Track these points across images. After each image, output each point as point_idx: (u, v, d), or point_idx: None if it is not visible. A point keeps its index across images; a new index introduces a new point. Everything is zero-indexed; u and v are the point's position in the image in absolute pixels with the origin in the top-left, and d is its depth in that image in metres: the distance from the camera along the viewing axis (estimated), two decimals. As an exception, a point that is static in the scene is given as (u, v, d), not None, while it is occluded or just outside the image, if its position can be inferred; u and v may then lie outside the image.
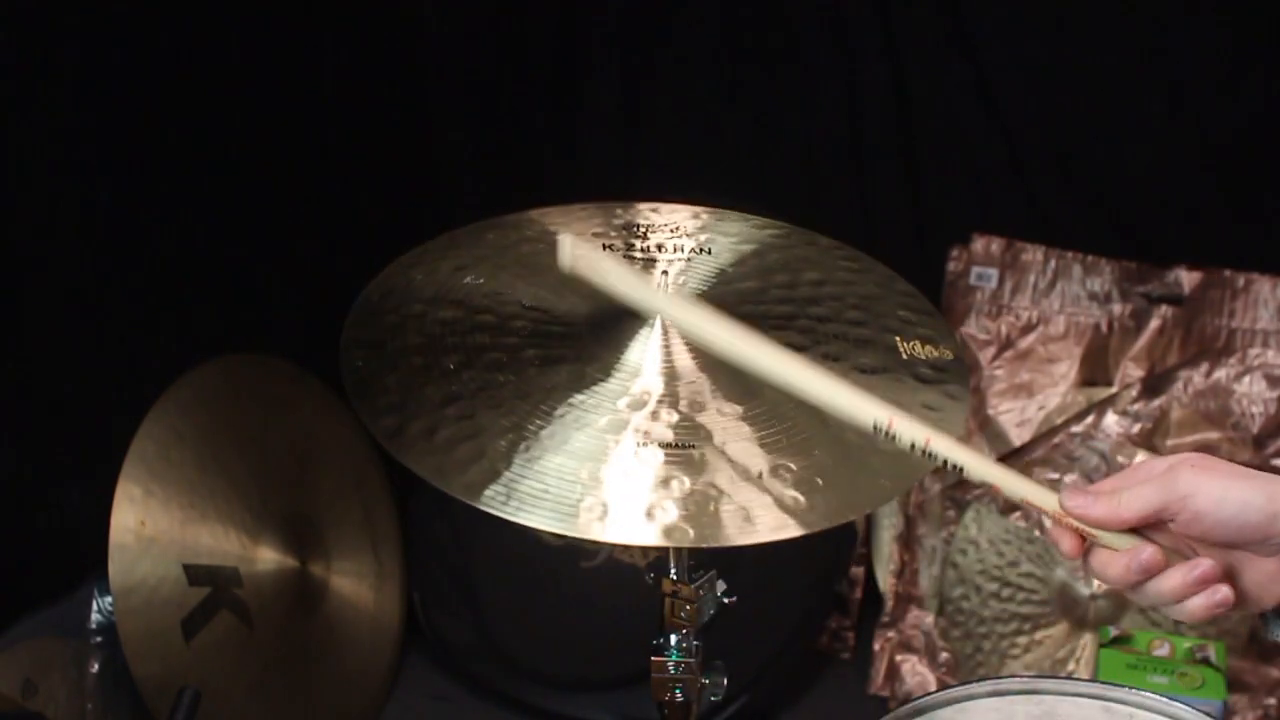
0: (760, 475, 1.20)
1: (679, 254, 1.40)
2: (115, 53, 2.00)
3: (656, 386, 1.25)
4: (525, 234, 1.43)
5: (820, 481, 1.20)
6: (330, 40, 2.31)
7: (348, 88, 2.36)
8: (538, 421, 1.21)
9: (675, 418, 1.23)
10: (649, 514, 1.17)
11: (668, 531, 1.16)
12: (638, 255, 1.39)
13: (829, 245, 1.47)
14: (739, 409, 1.24)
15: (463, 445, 1.20)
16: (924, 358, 1.34)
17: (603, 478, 1.18)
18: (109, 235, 2.03)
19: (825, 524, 1.18)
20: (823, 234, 1.47)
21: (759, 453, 1.22)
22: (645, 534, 1.16)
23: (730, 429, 1.23)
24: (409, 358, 1.26)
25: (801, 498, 1.19)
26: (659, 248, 1.40)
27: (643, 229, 1.43)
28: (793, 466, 1.21)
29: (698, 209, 1.47)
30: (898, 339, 1.35)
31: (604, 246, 1.40)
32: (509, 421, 1.21)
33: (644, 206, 1.47)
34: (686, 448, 1.21)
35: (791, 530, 1.18)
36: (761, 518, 1.17)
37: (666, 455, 1.20)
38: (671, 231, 1.43)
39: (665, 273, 1.33)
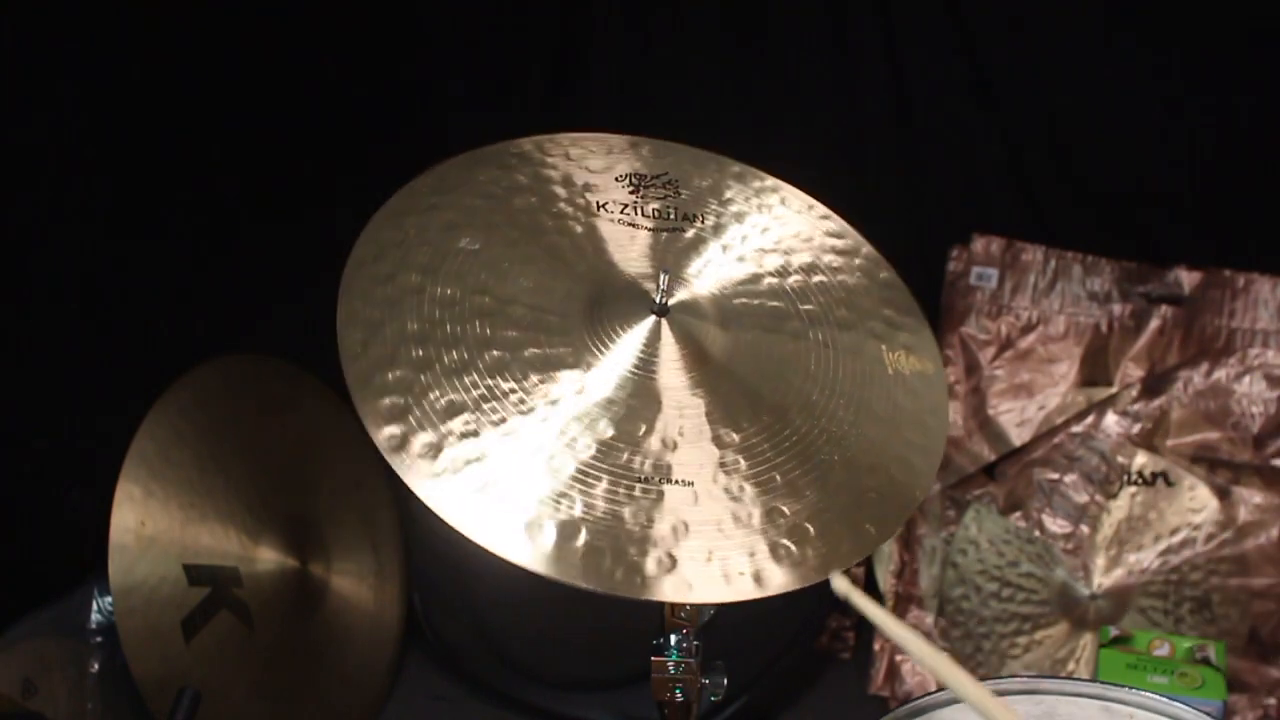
0: (756, 521, 1.19)
1: (672, 221, 1.38)
2: (115, 52, 2.00)
3: (655, 410, 1.24)
4: (516, 179, 1.39)
5: (811, 530, 1.20)
6: (331, 35, 2.31)
7: (347, 79, 2.36)
8: (547, 449, 1.20)
9: (674, 447, 1.22)
10: (658, 565, 1.16)
11: (674, 586, 1.15)
12: (632, 220, 1.38)
13: (817, 219, 1.47)
14: (736, 439, 1.23)
15: (469, 468, 1.19)
16: (907, 372, 1.34)
17: (612, 524, 1.17)
18: (109, 235, 2.03)
19: (817, 577, 1.18)
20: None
21: (753, 493, 1.21)
22: (655, 589, 1.15)
23: (727, 463, 1.22)
24: (408, 348, 1.24)
25: (794, 547, 1.18)
26: (657, 214, 1.39)
27: (637, 184, 1.41)
28: (786, 511, 1.20)
29: (695, 153, 1.46)
30: (884, 348, 1.35)
31: (598, 206, 1.38)
32: (515, 445, 1.20)
33: (632, 144, 1.44)
34: (686, 484, 1.20)
35: (789, 584, 1.17)
36: (757, 570, 1.17)
37: (668, 494, 1.19)
38: (665, 187, 1.41)
39: (666, 271, 1.33)
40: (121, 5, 1.98)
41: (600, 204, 1.37)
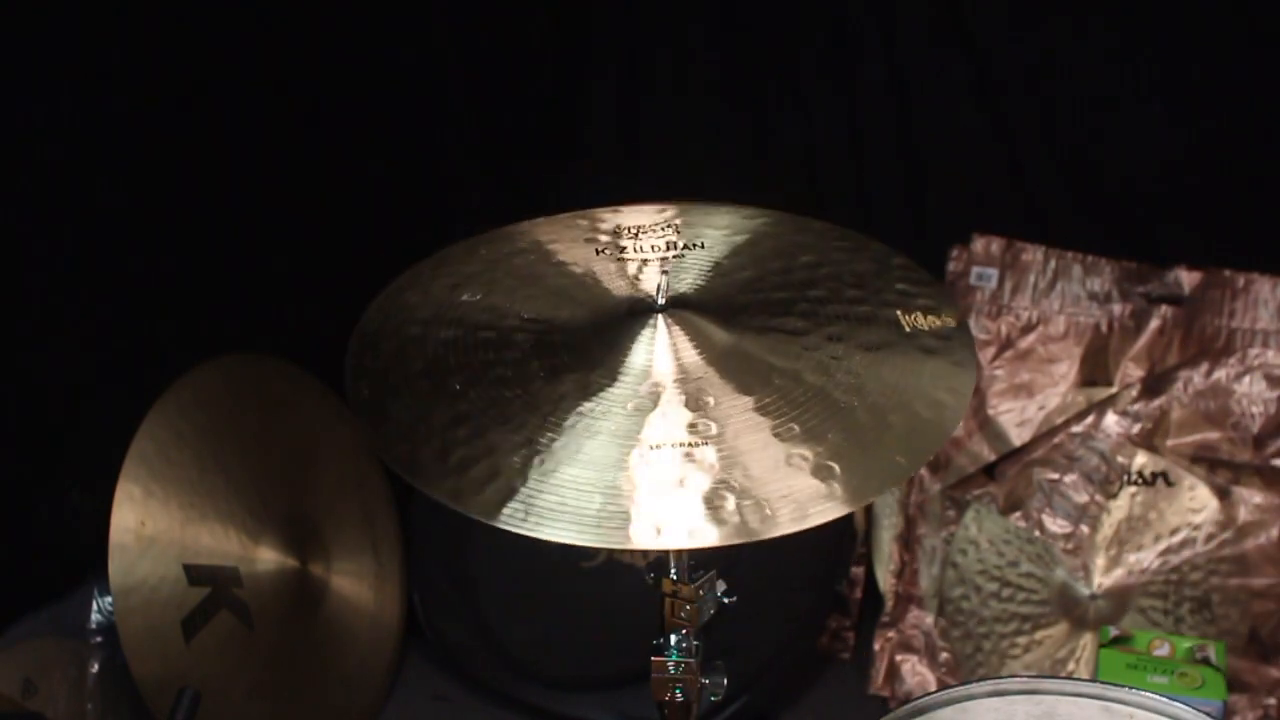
0: (780, 466, 1.20)
1: (673, 251, 1.40)
2: (116, 53, 2.00)
3: (664, 386, 1.25)
4: (516, 246, 1.43)
5: (837, 467, 1.20)
6: (329, 37, 2.31)
7: (347, 83, 2.36)
8: (549, 434, 1.21)
9: (687, 416, 1.23)
10: (669, 518, 1.16)
11: (692, 534, 1.16)
12: (630, 256, 1.39)
13: (822, 229, 1.47)
14: (749, 400, 1.24)
15: (477, 465, 1.20)
16: (927, 328, 1.34)
17: (620, 484, 1.18)
18: (109, 235, 2.03)
19: (847, 509, 1.18)
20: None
21: (774, 443, 1.22)
22: (668, 539, 1.16)
23: (743, 422, 1.23)
24: (414, 383, 1.27)
25: (821, 485, 1.19)
26: (652, 248, 1.40)
27: (633, 230, 1.42)
28: (808, 455, 1.21)
29: (686, 205, 1.47)
30: (899, 312, 1.35)
31: (597, 252, 1.40)
32: (520, 436, 1.21)
33: (628, 210, 1.47)
34: (701, 445, 1.21)
35: (814, 519, 1.17)
36: (784, 510, 1.17)
37: (683, 455, 1.20)
38: (662, 231, 1.42)
39: (665, 273, 1.33)
40: (123, 6, 1.98)
41: (600, 250, 1.39)
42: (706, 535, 1.16)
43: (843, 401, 1.25)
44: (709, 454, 1.20)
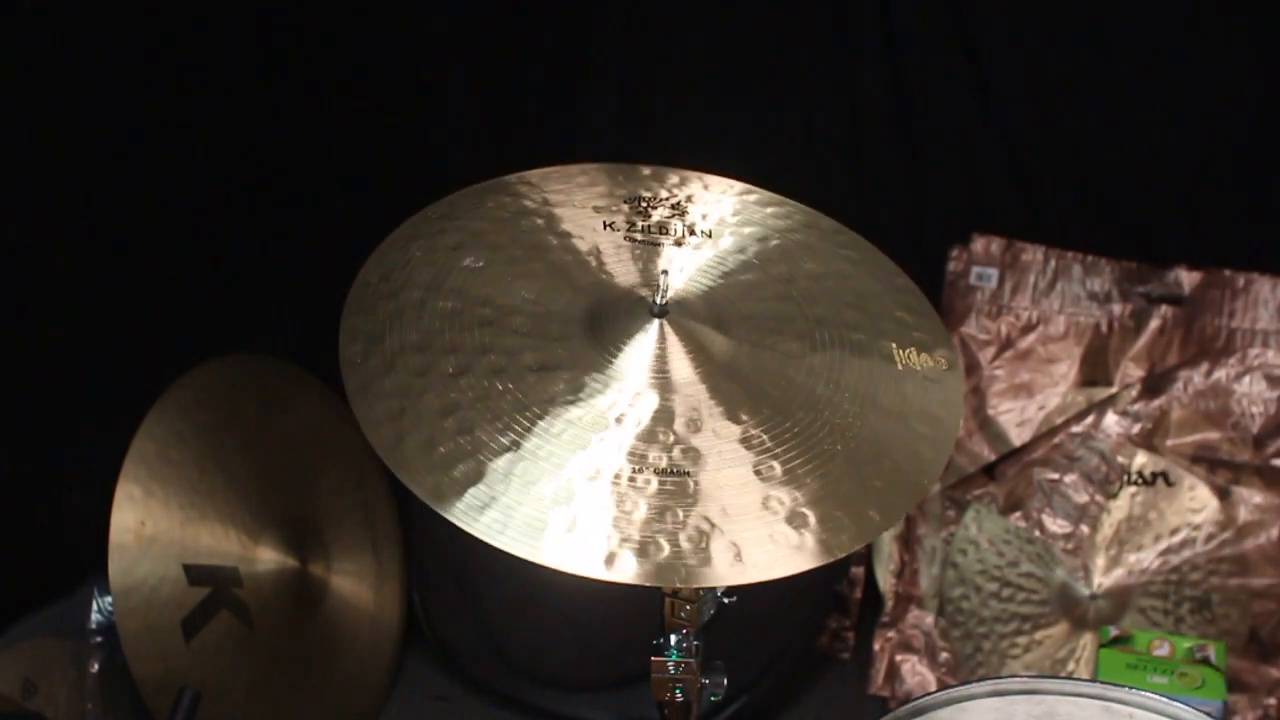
0: (754, 508, 1.19)
1: (680, 235, 1.39)
2: (115, 52, 2.00)
3: (653, 401, 1.24)
4: (524, 204, 1.41)
5: (811, 517, 1.20)
6: (328, 33, 2.31)
7: (347, 82, 2.36)
8: (535, 440, 1.21)
9: (671, 439, 1.22)
10: (643, 550, 1.16)
11: (660, 570, 1.15)
12: (639, 237, 1.39)
13: (830, 229, 1.47)
14: (736, 431, 1.24)
15: (461, 464, 1.19)
16: (919, 368, 1.33)
17: (599, 509, 1.17)
18: (109, 235, 2.03)
19: (815, 563, 1.18)
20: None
21: (754, 481, 1.21)
22: (639, 572, 1.15)
23: (726, 453, 1.22)
24: (407, 356, 1.26)
25: (793, 533, 1.19)
26: (661, 229, 1.39)
27: (645, 204, 1.41)
28: (784, 500, 1.20)
29: (703, 177, 1.46)
30: (894, 346, 1.35)
31: (604, 225, 1.39)
32: (508, 439, 1.21)
33: (646, 172, 1.45)
34: (681, 474, 1.20)
35: (782, 570, 1.17)
36: (752, 555, 1.17)
37: (660, 483, 1.19)
38: (673, 209, 1.42)
39: (666, 272, 1.33)
40: (123, 6, 1.98)
41: (607, 223, 1.39)
42: (673, 575, 1.15)
43: (826, 445, 1.24)
44: (688, 486, 1.19)
